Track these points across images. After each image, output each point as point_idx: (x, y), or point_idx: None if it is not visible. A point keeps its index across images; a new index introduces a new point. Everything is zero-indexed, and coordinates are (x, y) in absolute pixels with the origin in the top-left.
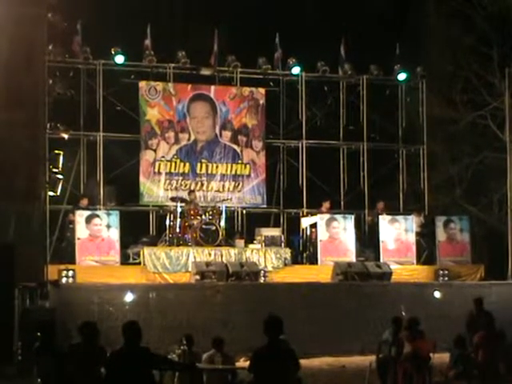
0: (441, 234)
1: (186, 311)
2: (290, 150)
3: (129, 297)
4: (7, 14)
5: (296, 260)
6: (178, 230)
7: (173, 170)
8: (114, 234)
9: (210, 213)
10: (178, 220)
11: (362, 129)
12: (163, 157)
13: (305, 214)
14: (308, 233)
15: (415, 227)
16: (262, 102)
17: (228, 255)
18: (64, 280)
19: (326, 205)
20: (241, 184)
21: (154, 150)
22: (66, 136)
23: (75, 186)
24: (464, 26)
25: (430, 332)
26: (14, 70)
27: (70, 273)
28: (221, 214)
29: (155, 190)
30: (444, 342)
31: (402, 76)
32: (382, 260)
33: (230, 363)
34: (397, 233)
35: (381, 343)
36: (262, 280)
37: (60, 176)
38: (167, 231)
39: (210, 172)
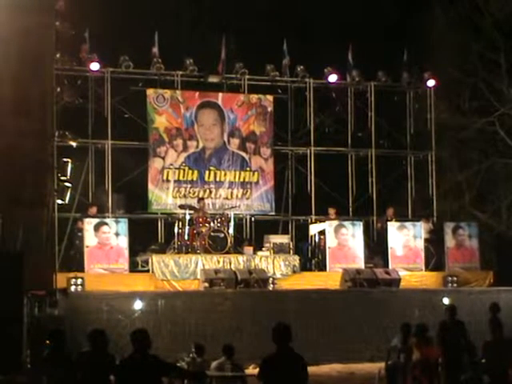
0: (449, 241)
1: (194, 319)
2: (298, 156)
3: (137, 304)
4: (15, 22)
5: (305, 267)
6: (186, 237)
7: (181, 178)
8: (123, 242)
9: (219, 220)
10: (187, 227)
11: (370, 135)
12: (171, 164)
13: (313, 220)
14: (316, 240)
15: (424, 234)
16: (269, 109)
17: (237, 262)
18: (73, 288)
19: (332, 211)
20: (249, 191)
21: (163, 158)
22: (74, 144)
23: (84, 194)
24: (472, 32)
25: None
26: (21, 79)
27: (79, 281)
28: (229, 221)
29: (164, 198)
30: None
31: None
32: (390, 266)
33: (239, 370)
34: (405, 239)
35: (390, 350)
36: (270, 287)
37: (68, 184)
38: (176, 239)
39: (218, 179)
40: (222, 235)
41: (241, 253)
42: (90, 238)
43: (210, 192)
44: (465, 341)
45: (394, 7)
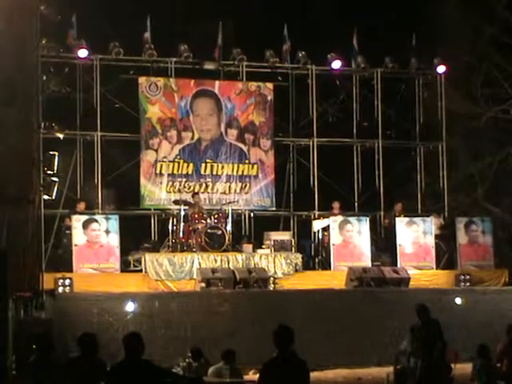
0: (462, 237)
1: (190, 321)
2: (300, 148)
3: (130, 306)
4: None
5: (307, 265)
6: (181, 234)
7: (175, 171)
8: (114, 240)
9: (216, 216)
10: (182, 224)
11: (376, 125)
12: (165, 157)
13: (316, 216)
14: (320, 236)
15: (434, 229)
16: (269, 97)
17: (235, 261)
18: (60, 289)
19: (336, 205)
20: (248, 185)
21: (156, 150)
22: (61, 136)
23: (71, 189)
24: (484, 15)
25: (451, 341)
26: (4, 67)
27: (67, 281)
28: (227, 217)
29: (157, 193)
30: (466, 351)
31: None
32: (399, 265)
33: (237, 376)
34: (415, 236)
35: (398, 353)
36: (271, 287)
37: (55, 179)
38: (170, 236)
39: (215, 173)
40: (220, 232)
41: (239, 251)
42: (78, 236)
43: (207, 186)
44: (440, 342)
45: None
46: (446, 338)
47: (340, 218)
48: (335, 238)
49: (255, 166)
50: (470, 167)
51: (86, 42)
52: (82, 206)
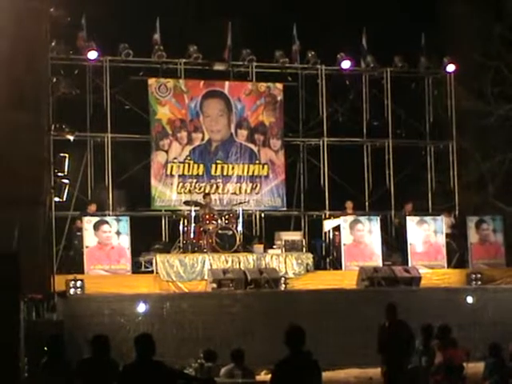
0: (473, 236)
1: (202, 322)
2: (310, 148)
3: (141, 307)
4: (7, 9)
5: (318, 265)
6: (192, 235)
7: (186, 172)
8: (125, 241)
9: (227, 217)
10: (193, 225)
11: (386, 125)
12: (175, 158)
13: (327, 216)
14: (331, 236)
15: (445, 228)
16: (279, 97)
17: (246, 262)
18: (72, 291)
19: (349, 205)
20: (259, 185)
21: (166, 151)
22: (71, 138)
23: (82, 191)
24: (494, 13)
25: (462, 340)
26: (15, 69)
27: (79, 283)
28: (238, 217)
29: (168, 194)
30: (478, 350)
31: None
32: (410, 264)
33: (250, 377)
34: (426, 235)
35: None
36: (282, 287)
37: (66, 180)
38: (181, 237)
39: (225, 173)
40: (231, 233)
41: (250, 251)
42: (89, 238)
43: (217, 187)
44: (407, 345)
45: None
46: (452, 338)
47: (351, 218)
48: (346, 238)
49: (265, 167)
50: (480, 166)
51: (96, 44)
52: (92, 207)
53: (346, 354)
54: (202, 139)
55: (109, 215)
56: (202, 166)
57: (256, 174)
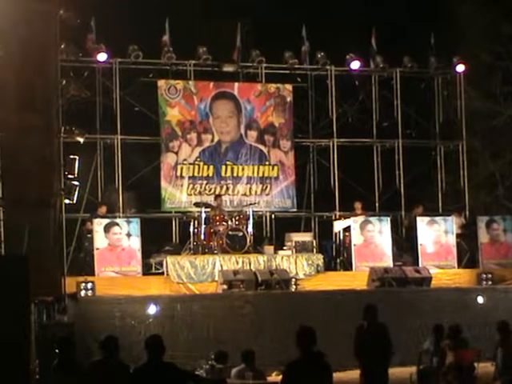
0: (483, 236)
1: (213, 323)
2: (320, 149)
3: (152, 309)
4: (16, 11)
5: (329, 266)
6: (202, 237)
7: (196, 174)
8: (135, 243)
9: (237, 218)
10: (203, 226)
11: (396, 125)
12: (185, 160)
13: (337, 217)
14: (341, 237)
15: (456, 229)
16: (289, 98)
17: (257, 263)
18: (83, 293)
19: (358, 205)
20: (269, 187)
21: (176, 153)
22: (81, 140)
23: (92, 193)
24: (503, 12)
25: (473, 340)
26: (25, 72)
27: (89, 285)
28: (248, 219)
29: (178, 196)
30: (489, 350)
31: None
32: (420, 264)
33: (261, 378)
34: (436, 235)
35: (421, 353)
36: (293, 288)
37: (76, 182)
38: (191, 239)
39: (235, 175)
40: (241, 234)
41: (261, 252)
42: (100, 240)
43: (227, 188)
44: (387, 347)
45: None
46: (463, 338)
47: (361, 219)
48: (356, 239)
49: (275, 168)
50: (490, 166)
51: (105, 46)
52: (103, 209)
53: None
54: (212, 140)
55: (119, 217)
56: (211, 167)
57: (266, 175)
